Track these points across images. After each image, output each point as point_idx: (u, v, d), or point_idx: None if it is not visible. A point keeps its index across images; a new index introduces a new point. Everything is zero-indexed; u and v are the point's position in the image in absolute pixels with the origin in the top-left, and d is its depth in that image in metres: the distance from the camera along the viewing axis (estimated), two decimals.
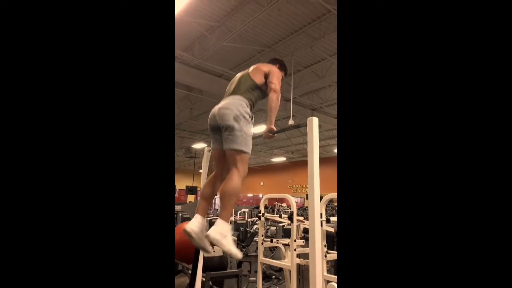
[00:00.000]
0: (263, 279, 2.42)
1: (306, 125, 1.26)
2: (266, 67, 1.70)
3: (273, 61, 1.82)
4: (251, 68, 1.74)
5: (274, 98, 1.57)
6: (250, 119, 1.55)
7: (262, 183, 16.73)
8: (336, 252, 2.05)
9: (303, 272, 2.31)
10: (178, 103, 7.92)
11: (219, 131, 1.55)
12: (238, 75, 1.76)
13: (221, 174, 1.62)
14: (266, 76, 1.66)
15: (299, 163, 14.01)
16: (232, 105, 1.52)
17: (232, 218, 7.03)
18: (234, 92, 1.62)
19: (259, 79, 1.66)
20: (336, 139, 10.95)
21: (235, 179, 1.42)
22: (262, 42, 5.07)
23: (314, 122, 1.24)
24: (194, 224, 1.43)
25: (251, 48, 5.23)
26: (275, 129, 1.62)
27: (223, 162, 1.58)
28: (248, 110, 1.56)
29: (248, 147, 1.49)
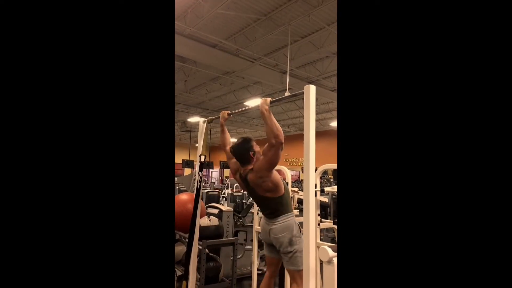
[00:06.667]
0: (259, 247, 2.50)
1: (303, 93, 1.22)
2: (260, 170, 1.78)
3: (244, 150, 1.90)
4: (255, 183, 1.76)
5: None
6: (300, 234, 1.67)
7: None
8: (329, 221, 2.10)
9: None
10: None
11: (274, 246, 1.71)
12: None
13: (274, 275, 1.83)
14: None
15: (295, 137, 14.04)
16: (286, 229, 1.65)
17: (229, 190, 7.15)
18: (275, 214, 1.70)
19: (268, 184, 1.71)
20: (332, 112, 10.91)
21: None
22: (258, 10, 4.85)
23: (311, 90, 1.20)
24: None
25: (247, 16, 5.01)
26: (270, 99, 1.58)
27: (276, 267, 1.81)
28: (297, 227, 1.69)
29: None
